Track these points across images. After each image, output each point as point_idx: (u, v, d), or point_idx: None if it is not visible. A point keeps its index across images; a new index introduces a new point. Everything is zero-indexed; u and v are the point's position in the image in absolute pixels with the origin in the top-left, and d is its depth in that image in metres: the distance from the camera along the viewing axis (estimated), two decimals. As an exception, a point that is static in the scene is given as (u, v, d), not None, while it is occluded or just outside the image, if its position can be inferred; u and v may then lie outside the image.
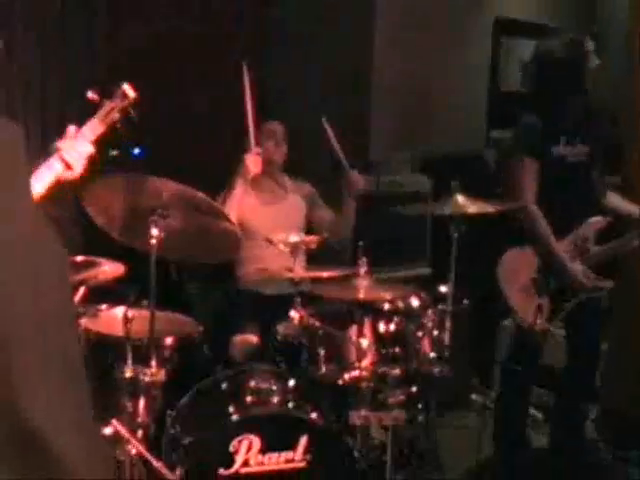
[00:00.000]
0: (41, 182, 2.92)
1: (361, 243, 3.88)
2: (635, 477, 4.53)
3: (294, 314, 3.85)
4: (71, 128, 3.08)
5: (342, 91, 5.70)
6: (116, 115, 3.20)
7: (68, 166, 3.01)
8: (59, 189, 3.00)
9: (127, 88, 3.24)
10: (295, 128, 4.86)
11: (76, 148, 3.04)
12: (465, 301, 5.33)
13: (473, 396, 5.78)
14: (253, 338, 4.35)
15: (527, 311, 4.06)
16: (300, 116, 5.09)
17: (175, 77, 5.50)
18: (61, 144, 3.03)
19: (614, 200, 4.36)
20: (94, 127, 3.14)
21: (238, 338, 4.38)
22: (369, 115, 5.91)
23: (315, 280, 3.96)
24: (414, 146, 6.15)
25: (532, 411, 5.46)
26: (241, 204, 4.55)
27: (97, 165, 3.18)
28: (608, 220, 4.20)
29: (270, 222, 4.56)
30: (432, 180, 5.74)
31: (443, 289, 4.12)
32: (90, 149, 3.09)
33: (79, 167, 3.04)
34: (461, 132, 6.56)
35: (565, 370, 4.39)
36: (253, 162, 4.44)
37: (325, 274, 3.98)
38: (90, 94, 3.18)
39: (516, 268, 4.11)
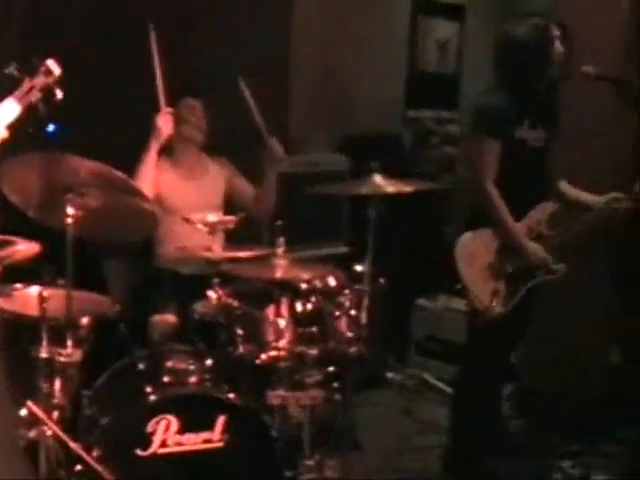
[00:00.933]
0: None
1: (279, 222, 3.87)
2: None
3: (212, 294, 3.83)
4: None
5: (259, 70, 5.67)
6: (37, 94, 2.94)
7: None
8: None
9: (51, 64, 2.98)
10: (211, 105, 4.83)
11: None
12: (381, 280, 5.40)
13: (389, 374, 5.85)
14: (171, 318, 4.33)
15: (483, 294, 4.09)
16: (217, 95, 5.04)
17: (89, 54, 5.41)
18: None
19: (567, 187, 4.41)
20: (10, 108, 2.89)
21: (156, 318, 4.35)
22: (287, 94, 5.89)
23: (233, 259, 3.95)
24: (332, 126, 6.16)
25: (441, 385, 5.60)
26: (160, 180, 4.54)
27: (9, 143, 2.96)
28: (559, 206, 4.25)
29: (189, 199, 4.54)
30: (350, 160, 5.75)
31: (359, 268, 4.12)
32: (3, 134, 2.87)
33: None
34: (379, 112, 6.59)
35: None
36: (164, 122, 4.44)
37: (243, 254, 3.97)
38: (9, 69, 2.92)
39: (473, 251, 4.12)
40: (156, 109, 4.49)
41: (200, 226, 3.91)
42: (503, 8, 7.13)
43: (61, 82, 2.98)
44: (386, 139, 6.58)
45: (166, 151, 4.65)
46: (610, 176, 4.63)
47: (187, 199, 4.55)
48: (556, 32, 4.17)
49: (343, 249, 5.68)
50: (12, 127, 2.89)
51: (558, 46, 4.17)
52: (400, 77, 6.93)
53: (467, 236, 4.14)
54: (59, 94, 2.97)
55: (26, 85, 2.92)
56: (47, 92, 2.96)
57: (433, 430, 4.97)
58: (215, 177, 4.82)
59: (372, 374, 5.56)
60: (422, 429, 5.11)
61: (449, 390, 5.35)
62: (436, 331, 5.89)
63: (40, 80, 2.94)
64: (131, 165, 4.37)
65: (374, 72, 6.53)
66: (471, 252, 4.12)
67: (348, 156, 5.82)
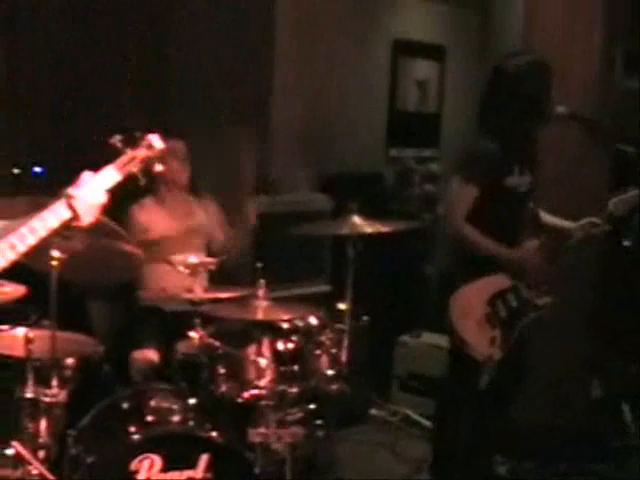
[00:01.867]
0: (43, 224, 2.70)
1: (259, 265, 3.94)
2: None
3: (193, 334, 3.90)
4: (86, 175, 2.83)
5: (242, 109, 5.75)
6: (138, 165, 2.95)
7: (76, 216, 2.77)
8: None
9: (154, 139, 3.01)
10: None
11: (88, 199, 2.79)
12: (364, 317, 5.46)
13: (372, 411, 5.89)
14: (151, 354, 4.40)
15: (482, 345, 4.14)
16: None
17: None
18: (73, 192, 2.76)
19: (546, 216, 4.44)
20: (111, 175, 2.88)
21: (136, 354, 4.41)
22: (269, 134, 5.96)
23: (215, 300, 4.01)
24: (314, 164, 6.24)
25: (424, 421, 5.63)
26: (144, 219, 4.62)
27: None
28: (542, 242, 4.29)
29: (172, 240, 4.61)
30: (332, 199, 5.82)
31: (342, 306, 4.19)
32: (103, 200, 2.84)
33: (89, 218, 2.81)
34: (361, 151, 6.68)
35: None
36: None
37: (224, 295, 4.03)
38: (113, 140, 2.94)
39: (466, 305, 4.14)
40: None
41: (181, 268, 3.97)
42: (482, 48, 7.27)
43: (162, 156, 3.02)
44: (368, 178, 6.67)
45: (151, 191, 4.72)
46: (586, 207, 4.68)
47: (170, 240, 4.63)
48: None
49: (325, 287, 5.73)
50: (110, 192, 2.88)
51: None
52: (381, 116, 7.03)
53: (461, 292, 4.16)
54: (159, 167, 3.00)
55: (128, 156, 2.94)
56: (147, 164, 2.97)
57: (416, 466, 5.00)
58: (199, 219, 4.90)
59: (355, 410, 5.60)
60: (405, 465, 5.13)
61: (432, 426, 5.41)
62: (418, 368, 5.94)
63: (141, 152, 2.96)
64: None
65: (356, 112, 6.63)
66: (465, 306, 4.13)
67: (330, 195, 5.88)
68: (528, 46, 5.38)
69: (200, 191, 5.01)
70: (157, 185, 4.73)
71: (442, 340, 5.14)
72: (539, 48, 5.07)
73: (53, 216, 2.73)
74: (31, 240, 2.65)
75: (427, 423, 5.56)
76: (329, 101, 6.40)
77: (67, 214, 2.75)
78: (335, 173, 6.34)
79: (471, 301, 4.16)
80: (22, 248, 2.63)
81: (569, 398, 5.36)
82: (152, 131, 3.04)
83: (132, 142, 2.97)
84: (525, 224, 4.30)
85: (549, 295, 4.28)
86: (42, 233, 2.69)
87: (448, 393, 4.56)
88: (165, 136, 4.57)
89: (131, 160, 2.93)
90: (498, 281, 4.20)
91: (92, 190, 2.80)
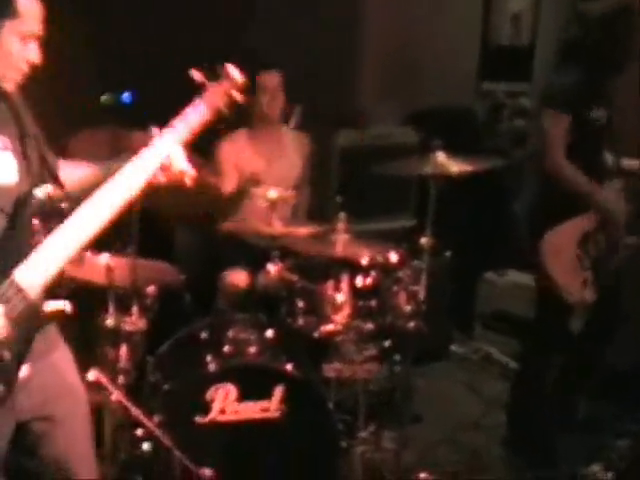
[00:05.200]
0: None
1: (339, 199, 3.92)
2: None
3: (271, 267, 3.91)
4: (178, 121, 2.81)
5: (328, 41, 5.68)
6: (222, 100, 2.90)
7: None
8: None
9: (232, 69, 2.94)
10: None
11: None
12: (447, 253, 5.43)
13: (453, 347, 5.88)
14: (243, 277, 4.47)
15: (574, 287, 4.12)
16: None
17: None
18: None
19: (625, 161, 4.39)
20: (199, 111, 2.85)
21: (227, 275, 4.48)
22: (358, 66, 5.90)
23: (294, 235, 4.01)
24: (403, 98, 6.17)
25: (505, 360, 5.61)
26: (236, 153, 4.61)
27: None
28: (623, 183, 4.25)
29: (263, 175, 4.56)
30: (420, 133, 5.76)
31: (423, 242, 4.16)
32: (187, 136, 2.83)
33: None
34: (451, 84, 6.57)
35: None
36: None
37: (302, 230, 4.03)
38: (195, 74, 2.89)
39: (558, 246, 4.12)
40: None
41: (260, 201, 3.97)
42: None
43: (242, 87, 2.96)
44: (457, 112, 6.57)
45: (244, 124, 4.69)
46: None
47: (261, 176, 4.54)
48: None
49: (411, 222, 5.70)
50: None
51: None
52: (474, 49, 6.89)
53: (550, 233, 4.12)
54: (240, 98, 2.94)
55: (212, 90, 2.90)
56: (230, 96, 2.92)
57: (494, 405, 4.97)
58: (292, 154, 4.85)
59: (436, 346, 5.60)
60: (483, 404, 5.11)
61: (513, 365, 5.38)
62: (503, 306, 5.88)
63: (224, 85, 2.92)
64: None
65: (447, 44, 6.51)
66: (556, 247, 4.10)
67: (419, 129, 5.81)
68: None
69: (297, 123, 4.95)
70: (248, 118, 4.67)
71: (528, 279, 5.08)
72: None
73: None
74: None
75: (509, 362, 5.54)
76: (419, 33, 6.30)
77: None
78: (424, 107, 6.26)
79: (562, 242, 4.13)
80: None
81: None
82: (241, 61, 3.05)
83: (214, 75, 2.92)
84: (605, 162, 4.24)
85: (637, 234, 4.23)
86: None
87: (536, 334, 4.53)
88: (256, 68, 4.64)
89: (216, 94, 2.89)
90: (587, 221, 4.17)
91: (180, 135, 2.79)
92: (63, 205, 2.57)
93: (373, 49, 5.97)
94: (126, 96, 4.61)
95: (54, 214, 2.53)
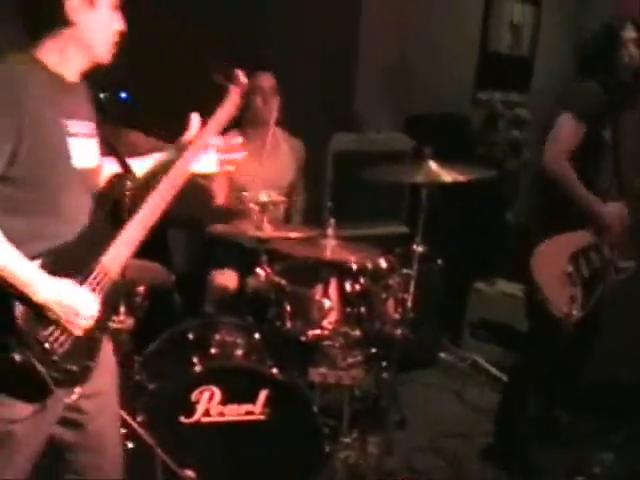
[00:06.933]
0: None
1: (330, 204, 3.93)
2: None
3: (260, 271, 3.92)
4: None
5: (326, 45, 5.68)
6: (239, 101, 3.17)
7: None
8: None
9: (242, 75, 3.17)
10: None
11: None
12: (438, 261, 5.44)
13: (442, 355, 5.89)
14: (232, 277, 4.47)
15: (561, 302, 4.10)
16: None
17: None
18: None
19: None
20: (226, 113, 3.11)
21: (217, 275, 4.49)
22: (355, 70, 5.90)
23: (284, 239, 4.01)
24: (399, 105, 6.18)
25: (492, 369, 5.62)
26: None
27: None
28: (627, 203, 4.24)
29: (254, 179, 4.50)
30: (415, 139, 5.75)
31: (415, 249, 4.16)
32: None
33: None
34: (449, 92, 6.58)
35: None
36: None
37: (293, 234, 4.03)
38: (216, 77, 3.12)
39: (550, 259, 4.11)
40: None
41: (251, 205, 3.96)
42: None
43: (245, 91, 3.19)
44: (454, 120, 6.59)
45: (238, 126, 4.66)
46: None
47: (253, 180, 4.48)
48: (630, 34, 4.11)
49: (403, 229, 5.70)
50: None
51: (632, 50, 4.10)
52: (472, 58, 6.91)
53: (543, 244, 4.11)
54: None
55: (234, 91, 3.13)
56: (243, 98, 3.18)
57: (480, 413, 5.00)
58: (285, 158, 4.82)
59: (424, 353, 5.62)
60: (469, 412, 5.14)
61: (500, 375, 5.40)
62: (491, 315, 5.90)
63: (240, 88, 3.15)
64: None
65: (446, 52, 6.52)
66: (547, 260, 4.09)
67: (414, 136, 5.80)
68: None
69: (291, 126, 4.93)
70: (242, 121, 4.63)
71: (517, 289, 5.10)
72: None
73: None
74: None
75: (495, 371, 5.56)
76: (418, 40, 6.30)
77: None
78: (420, 113, 6.26)
79: (554, 256, 4.12)
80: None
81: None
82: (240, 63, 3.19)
83: (231, 78, 3.14)
84: (604, 182, 4.23)
85: (632, 259, 4.23)
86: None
87: (525, 343, 4.55)
88: (251, 70, 4.61)
89: (235, 96, 3.12)
90: (582, 237, 4.17)
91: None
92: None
93: (371, 54, 5.96)
94: (124, 95, 4.62)
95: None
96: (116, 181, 2.75)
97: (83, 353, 2.61)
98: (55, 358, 2.49)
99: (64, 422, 2.73)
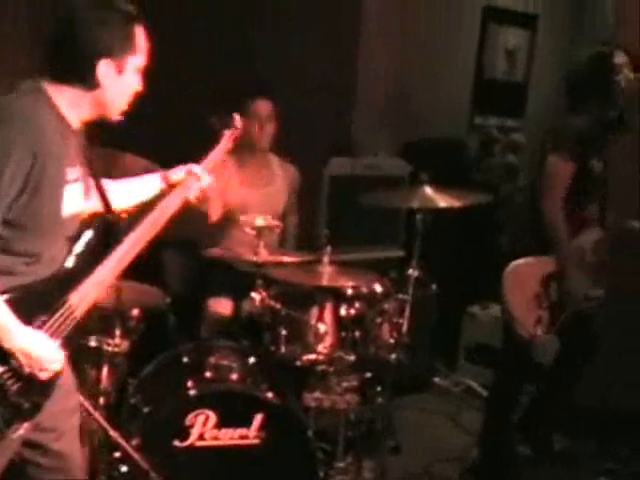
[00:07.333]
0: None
1: (326, 231, 3.94)
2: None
3: (255, 295, 3.92)
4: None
5: (323, 70, 5.69)
6: (231, 144, 3.41)
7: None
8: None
9: (238, 119, 3.41)
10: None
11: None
12: (433, 286, 5.44)
13: (436, 379, 5.90)
14: (227, 305, 4.44)
15: (527, 322, 4.10)
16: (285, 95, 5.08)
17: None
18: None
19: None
20: (218, 154, 3.37)
21: (213, 303, 4.46)
22: (352, 96, 5.92)
23: (279, 264, 4.02)
24: (395, 129, 6.20)
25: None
26: (225, 183, 4.57)
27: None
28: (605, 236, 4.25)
29: (249, 205, 4.54)
30: (412, 164, 5.76)
31: (412, 273, 4.17)
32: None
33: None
34: (444, 117, 6.61)
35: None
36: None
37: (288, 259, 4.04)
38: (213, 121, 3.37)
39: (522, 279, 4.12)
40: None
41: (248, 229, 3.97)
42: (576, 19, 7.11)
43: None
44: (450, 145, 6.61)
45: (232, 151, 4.65)
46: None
47: (247, 204, 4.54)
48: (621, 59, 4.13)
49: (399, 253, 5.71)
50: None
51: (627, 74, 4.12)
52: (467, 83, 6.94)
53: (517, 263, 4.12)
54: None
55: (227, 136, 3.39)
56: (236, 140, 3.46)
57: (475, 439, 4.98)
58: (279, 183, 4.81)
59: (419, 378, 5.62)
60: (464, 436, 5.13)
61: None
62: (485, 339, 5.90)
63: (234, 132, 3.40)
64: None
65: (441, 77, 6.56)
66: (517, 281, 4.10)
67: (410, 161, 5.82)
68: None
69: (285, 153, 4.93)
70: (237, 147, 4.63)
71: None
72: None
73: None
74: None
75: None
76: (415, 65, 6.33)
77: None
78: (417, 139, 6.29)
79: (525, 277, 4.12)
80: None
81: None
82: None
83: (226, 124, 3.39)
84: (591, 213, 4.25)
85: (603, 288, 4.24)
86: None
87: (502, 364, 4.56)
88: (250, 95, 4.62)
89: (228, 140, 3.38)
90: (553, 263, 4.15)
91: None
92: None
93: (368, 79, 5.98)
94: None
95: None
96: (97, 221, 2.75)
97: (37, 390, 2.59)
98: (7, 394, 2.49)
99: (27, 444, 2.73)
